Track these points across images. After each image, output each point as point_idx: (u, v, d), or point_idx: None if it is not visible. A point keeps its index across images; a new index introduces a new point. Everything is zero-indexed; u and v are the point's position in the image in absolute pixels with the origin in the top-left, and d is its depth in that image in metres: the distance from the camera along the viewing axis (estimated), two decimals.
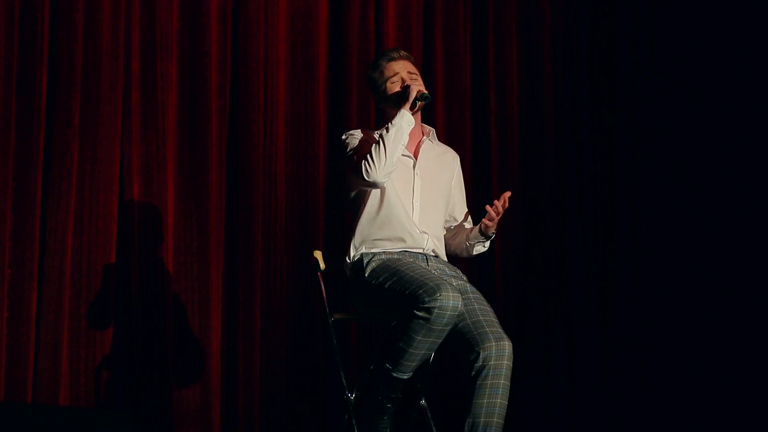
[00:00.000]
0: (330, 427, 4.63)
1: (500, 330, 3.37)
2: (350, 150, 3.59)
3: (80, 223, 4.32)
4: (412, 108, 3.50)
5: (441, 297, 3.17)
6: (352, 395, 3.51)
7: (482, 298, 3.48)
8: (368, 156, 3.44)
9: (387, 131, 3.45)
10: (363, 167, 3.43)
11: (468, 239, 3.67)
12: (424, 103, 3.55)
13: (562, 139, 5.31)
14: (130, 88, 4.47)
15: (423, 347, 3.24)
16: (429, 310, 3.18)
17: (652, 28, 5.27)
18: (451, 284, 3.26)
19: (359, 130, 3.68)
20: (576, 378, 5.11)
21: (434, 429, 3.56)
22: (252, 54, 4.74)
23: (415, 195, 3.58)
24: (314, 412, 4.67)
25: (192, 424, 4.45)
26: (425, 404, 3.60)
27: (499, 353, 3.31)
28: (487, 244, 3.69)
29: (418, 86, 3.54)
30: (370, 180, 3.44)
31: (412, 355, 3.25)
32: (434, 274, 3.37)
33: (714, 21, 5.06)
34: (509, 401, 3.32)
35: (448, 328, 3.23)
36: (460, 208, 3.79)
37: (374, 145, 3.46)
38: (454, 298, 3.19)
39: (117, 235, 4.40)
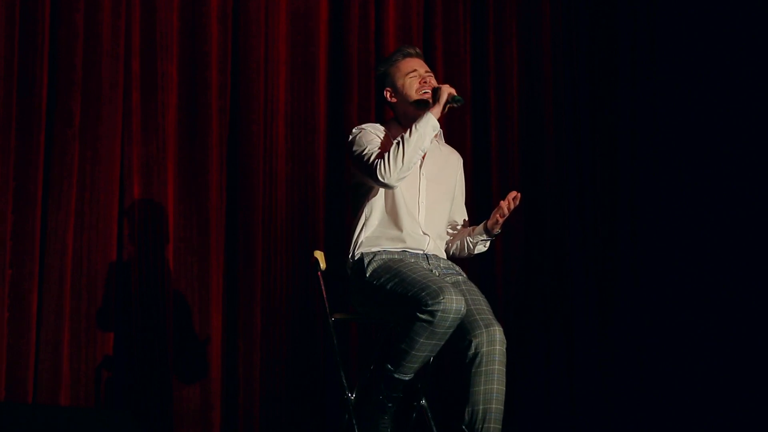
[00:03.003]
0: (330, 427, 4.63)
1: (490, 317, 3.36)
2: (361, 147, 3.51)
3: (80, 223, 4.32)
4: (443, 109, 3.44)
5: (444, 300, 3.17)
6: (352, 395, 3.51)
7: (475, 288, 3.49)
8: (385, 156, 3.38)
9: (409, 134, 3.39)
10: (378, 168, 3.38)
11: (471, 236, 3.66)
12: (455, 106, 3.46)
13: (562, 139, 5.31)
14: (131, 88, 4.48)
15: (426, 349, 3.24)
16: (432, 313, 3.18)
17: (652, 28, 5.27)
18: (453, 286, 3.27)
19: (370, 126, 3.62)
20: (576, 378, 5.11)
21: (434, 429, 3.56)
22: (252, 54, 4.74)
23: (421, 195, 3.57)
24: (314, 412, 4.68)
25: (192, 424, 4.46)
26: (425, 404, 3.60)
27: (489, 339, 3.30)
28: (488, 243, 3.69)
29: (448, 89, 3.46)
30: (383, 182, 3.39)
31: (415, 357, 3.25)
32: (436, 275, 3.37)
33: (714, 21, 5.06)
34: (509, 389, 3.31)
35: (451, 330, 3.23)
36: (460, 212, 3.79)
37: (393, 146, 3.40)
38: (458, 301, 3.19)
39: (117, 235, 4.40)
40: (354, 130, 3.62)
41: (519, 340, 5.05)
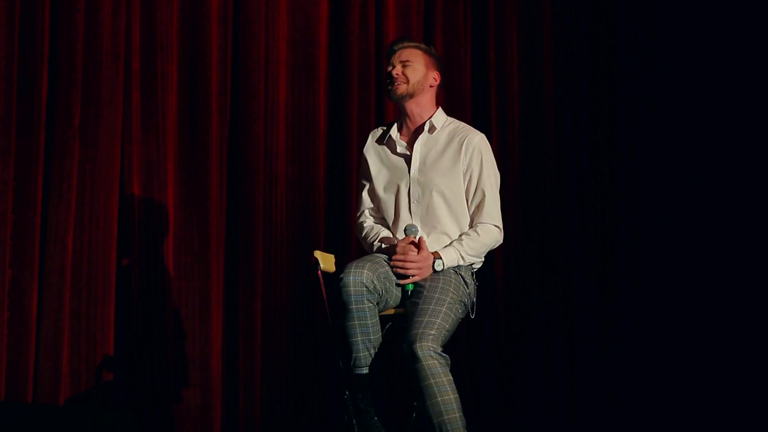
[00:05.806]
0: (330, 427, 4.63)
1: (418, 331, 3.23)
2: (359, 177, 3.72)
3: (81, 223, 4.32)
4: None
5: (343, 275, 3.24)
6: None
7: (434, 297, 3.35)
8: (363, 233, 3.62)
9: (376, 249, 3.54)
10: (356, 224, 3.68)
11: None
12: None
13: (563, 139, 5.30)
14: (131, 88, 4.48)
15: (353, 333, 3.29)
16: (339, 291, 3.25)
17: (653, 28, 5.27)
18: (366, 262, 3.29)
19: (371, 137, 3.71)
20: (576, 378, 5.11)
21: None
22: (252, 54, 4.74)
23: (412, 201, 3.54)
24: (314, 412, 4.68)
25: (192, 424, 4.46)
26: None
27: (414, 358, 3.21)
28: (447, 261, 3.52)
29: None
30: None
31: (353, 345, 3.31)
32: (373, 259, 3.40)
33: (714, 20, 5.06)
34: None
35: (363, 306, 3.26)
36: (469, 203, 3.61)
37: (363, 233, 3.61)
38: (355, 273, 3.23)
39: (117, 235, 4.41)
40: (365, 148, 3.71)
41: (519, 340, 5.05)
